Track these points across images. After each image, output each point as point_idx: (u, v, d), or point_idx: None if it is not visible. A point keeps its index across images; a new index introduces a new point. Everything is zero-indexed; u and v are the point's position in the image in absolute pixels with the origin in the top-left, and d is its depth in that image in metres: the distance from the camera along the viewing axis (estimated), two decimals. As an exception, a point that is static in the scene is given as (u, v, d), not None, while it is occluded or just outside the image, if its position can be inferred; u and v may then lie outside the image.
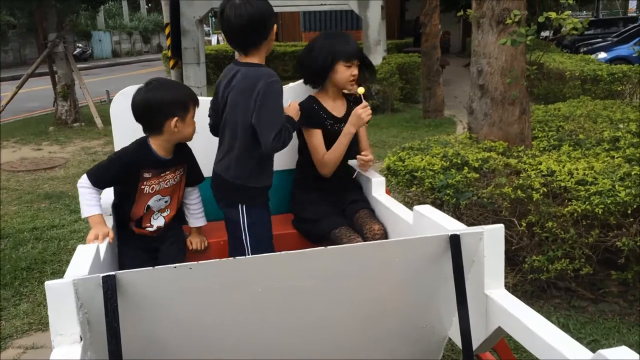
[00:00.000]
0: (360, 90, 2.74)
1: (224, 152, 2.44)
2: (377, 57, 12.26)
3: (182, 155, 2.52)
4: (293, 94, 2.88)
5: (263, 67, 2.35)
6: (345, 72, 2.71)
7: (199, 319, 1.58)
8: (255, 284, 1.55)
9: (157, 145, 2.38)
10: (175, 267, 1.45)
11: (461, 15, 4.62)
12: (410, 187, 3.81)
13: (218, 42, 33.46)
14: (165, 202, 2.52)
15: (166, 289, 1.49)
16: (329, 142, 2.74)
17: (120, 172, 2.37)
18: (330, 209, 2.74)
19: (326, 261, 1.58)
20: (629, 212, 3.15)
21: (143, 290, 1.47)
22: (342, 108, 2.85)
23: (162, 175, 2.45)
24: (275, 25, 2.38)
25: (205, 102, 2.68)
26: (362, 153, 2.85)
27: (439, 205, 3.75)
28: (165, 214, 2.53)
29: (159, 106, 2.30)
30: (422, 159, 3.85)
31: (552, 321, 3.31)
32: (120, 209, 2.49)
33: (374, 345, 1.82)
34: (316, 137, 2.73)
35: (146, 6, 40.48)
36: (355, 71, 2.73)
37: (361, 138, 2.91)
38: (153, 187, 2.44)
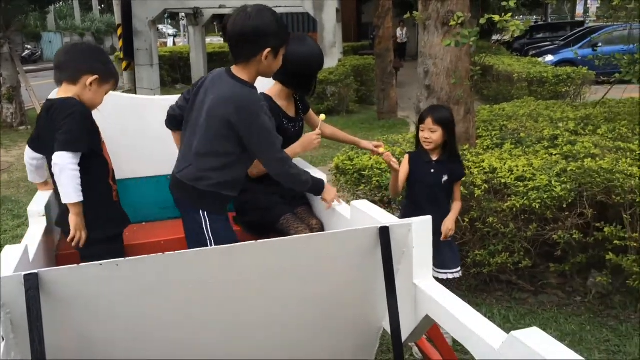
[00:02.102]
0: (322, 117, 2.84)
1: (190, 156, 2.31)
2: (332, 60, 12.36)
3: None
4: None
5: (245, 89, 2.21)
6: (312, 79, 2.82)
7: (129, 316, 1.57)
8: (187, 280, 1.55)
9: (70, 96, 2.28)
10: (101, 264, 1.43)
11: (408, 17, 4.71)
12: (358, 185, 3.86)
13: (174, 43, 33.03)
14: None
15: (93, 286, 1.47)
16: (282, 141, 2.75)
17: (91, 124, 2.27)
18: (275, 199, 2.78)
19: (259, 256, 1.59)
20: (565, 206, 3.28)
21: (69, 288, 1.45)
22: (293, 108, 2.89)
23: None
24: (272, 49, 2.18)
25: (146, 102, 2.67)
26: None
27: (387, 203, 3.82)
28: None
29: (88, 58, 2.32)
30: (370, 158, 3.91)
31: (494, 313, 3.43)
32: (91, 173, 2.26)
33: (310, 338, 1.84)
34: None
35: (99, 7, 39.57)
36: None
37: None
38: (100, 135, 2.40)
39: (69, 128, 2.15)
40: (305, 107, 2.99)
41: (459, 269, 3.06)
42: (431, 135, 2.94)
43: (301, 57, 2.67)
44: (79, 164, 2.17)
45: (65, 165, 2.11)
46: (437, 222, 2.92)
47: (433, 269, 2.98)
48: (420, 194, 3.03)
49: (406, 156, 3.13)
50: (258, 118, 2.17)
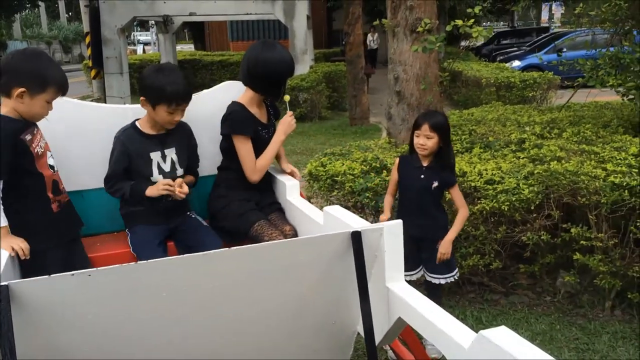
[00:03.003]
0: (287, 97, 2.86)
1: None
2: (304, 66, 12.41)
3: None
4: (222, 94, 2.90)
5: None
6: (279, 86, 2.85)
7: (103, 326, 1.56)
8: (160, 288, 1.55)
9: (7, 111, 2.22)
10: (72, 275, 1.42)
11: (377, 24, 4.78)
12: (331, 191, 3.89)
13: (144, 51, 32.70)
14: (53, 157, 2.42)
15: (65, 297, 1.45)
16: (258, 149, 2.79)
17: (11, 149, 2.18)
18: (252, 206, 2.80)
19: (233, 262, 1.60)
20: (532, 208, 3.36)
21: (40, 299, 1.43)
22: (265, 114, 2.91)
23: (36, 131, 2.33)
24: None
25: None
26: (287, 166, 2.99)
27: (360, 208, 3.85)
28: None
29: (14, 70, 2.19)
30: (343, 164, 3.94)
31: (467, 315, 3.48)
32: (23, 192, 2.28)
33: (285, 343, 1.85)
34: (246, 145, 2.75)
35: (66, 15, 38.96)
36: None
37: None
38: (40, 145, 2.33)
39: None
40: (276, 113, 3.02)
41: (455, 272, 3.06)
42: (427, 141, 2.91)
43: (271, 62, 2.70)
44: (9, 182, 2.19)
45: None
46: (428, 229, 2.98)
47: (426, 274, 3.04)
48: (410, 199, 3.02)
49: (396, 161, 3.13)
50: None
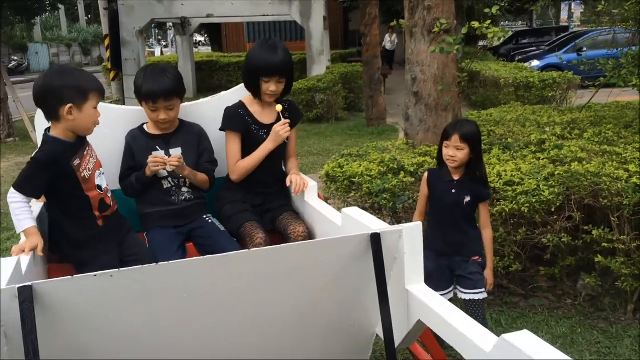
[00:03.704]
0: (278, 107, 2.74)
1: None
2: (320, 67, 12.42)
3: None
4: (236, 96, 2.90)
5: None
6: (263, 86, 2.72)
7: (125, 327, 1.57)
8: (181, 290, 1.56)
9: (58, 133, 2.29)
10: (95, 275, 1.43)
11: (394, 25, 4.76)
12: (349, 192, 3.88)
13: (162, 53, 33.00)
14: (103, 174, 2.48)
15: (88, 298, 1.47)
16: (253, 148, 2.75)
17: (52, 171, 2.26)
18: (247, 207, 2.75)
19: (251, 264, 1.60)
20: (553, 210, 3.32)
21: (63, 300, 1.45)
22: (272, 115, 2.83)
23: (85, 152, 2.39)
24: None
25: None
26: (287, 180, 2.79)
27: (378, 209, 3.84)
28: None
29: (52, 92, 2.23)
30: (360, 165, 3.93)
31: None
32: (68, 212, 2.38)
33: (304, 345, 1.85)
34: (233, 142, 2.74)
35: (85, 17, 39.46)
36: (272, 87, 2.69)
37: (290, 145, 2.93)
38: (89, 167, 2.39)
39: (23, 172, 2.27)
40: (294, 117, 2.90)
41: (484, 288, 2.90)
42: (457, 153, 2.74)
43: (250, 57, 2.73)
44: (53, 200, 2.37)
45: (10, 201, 2.23)
46: (460, 245, 2.86)
47: (461, 292, 2.87)
48: (441, 215, 2.88)
49: (425, 175, 2.97)
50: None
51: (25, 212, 2.23)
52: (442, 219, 2.88)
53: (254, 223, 2.64)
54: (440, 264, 2.88)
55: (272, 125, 2.78)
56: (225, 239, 2.64)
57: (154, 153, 2.60)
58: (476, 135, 2.79)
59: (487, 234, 2.87)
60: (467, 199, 2.81)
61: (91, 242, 2.40)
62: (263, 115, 2.81)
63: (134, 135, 2.71)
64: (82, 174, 2.35)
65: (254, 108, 2.80)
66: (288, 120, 2.74)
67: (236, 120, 2.75)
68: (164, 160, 2.53)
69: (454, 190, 2.83)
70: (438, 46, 3.98)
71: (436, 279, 2.78)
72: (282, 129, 2.69)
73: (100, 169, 2.47)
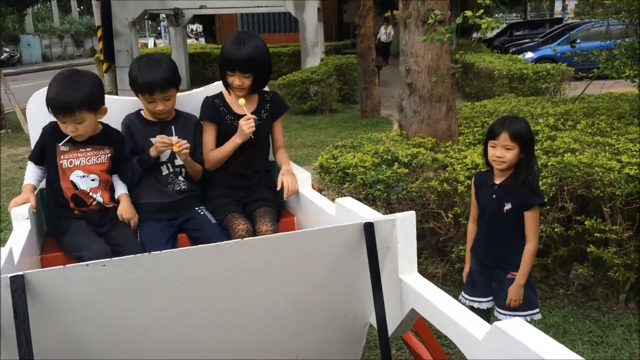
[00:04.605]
0: (241, 101, 2.70)
1: None
2: (314, 59, 12.40)
3: (110, 138, 2.56)
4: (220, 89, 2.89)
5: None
6: (229, 79, 2.69)
7: (117, 316, 1.57)
8: (173, 279, 1.55)
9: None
10: (87, 265, 1.43)
11: (389, 16, 4.75)
12: (343, 183, 3.88)
13: (155, 44, 32.80)
14: (92, 180, 2.50)
15: (80, 287, 1.47)
16: (227, 138, 2.73)
17: (42, 144, 2.48)
18: (228, 201, 2.73)
19: (244, 253, 1.60)
20: (546, 200, 3.33)
21: (55, 289, 1.45)
22: (251, 105, 2.79)
23: (81, 150, 2.47)
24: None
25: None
26: (279, 182, 2.72)
27: (372, 200, 3.85)
28: (98, 194, 2.52)
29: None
30: (354, 156, 3.93)
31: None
32: (52, 191, 2.55)
33: (297, 335, 1.85)
34: (207, 131, 2.74)
35: (78, 9, 39.14)
36: (236, 81, 2.65)
37: (276, 137, 2.91)
38: (71, 162, 2.46)
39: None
40: (275, 108, 2.86)
41: (534, 311, 2.61)
42: (505, 153, 2.45)
43: (223, 49, 2.72)
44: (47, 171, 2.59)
45: None
46: (499, 258, 2.57)
47: (496, 309, 2.59)
48: (483, 223, 2.61)
49: (473, 179, 2.77)
50: None
51: (29, 172, 2.51)
52: (484, 227, 2.62)
53: (236, 214, 2.62)
54: (483, 272, 2.67)
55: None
56: (216, 231, 2.62)
57: (159, 135, 2.58)
58: (527, 133, 2.49)
59: (527, 247, 2.50)
60: (508, 206, 2.50)
61: (68, 222, 2.50)
62: (239, 106, 2.75)
63: (132, 119, 2.70)
64: (61, 162, 2.46)
65: (231, 99, 2.77)
66: (253, 116, 2.68)
67: (210, 110, 2.74)
68: (171, 142, 2.51)
69: (494, 196, 2.54)
70: (429, 35, 3.97)
71: (477, 285, 2.65)
72: (245, 124, 2.63)
73: (90, 174, 2.48)
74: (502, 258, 2.56)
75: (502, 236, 2.55)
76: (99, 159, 2.51)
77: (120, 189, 2.61)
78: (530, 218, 2.49)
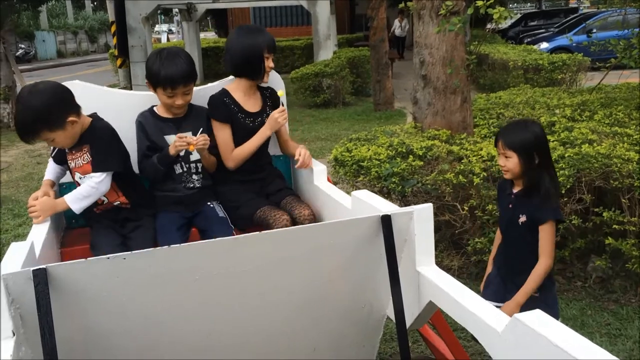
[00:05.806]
0: (280, 93, 2.77)
1: None
2: (327, 52, 12.35)
3: (88, 136, 2.47)
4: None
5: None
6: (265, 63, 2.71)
7: (137, 308, 1.59)
8: (192, 272, 1.57)
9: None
10: (108, 258, 1.45)
11: (402, 7, 4.72)
12: (357, 176, 3.88)
13: (168, 39, 32.91)
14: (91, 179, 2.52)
15: (101, 280, 1.49)
16: (241, 136, 2.74)
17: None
18: (251, 194, 2.76)
19: (261, 246, 1.61)
20: (563, 192, 3.30)
21: (77, 282, 1.47)
22: (257, 102, 2.83)
23: (73, 152, 2.48)
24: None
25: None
26: (297, 153, 2.76)
27: (387, 193, 3.84)
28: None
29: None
30: (369, 149, 3.93)
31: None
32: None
33: (314, 327, 1.86)
34: (223, 131, 2.72)
35: (91, 5, 39.39)
36: (271, 63, 2.73)
37: (282, 130, 2.92)
38: (74, 163, 2.50)
39: None
40: (275, 103, 2.88)
41: None
42: (506, 162, 2.30)
43: (229, 41, 2.74)
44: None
45: None
46: (514, 272, 2.41)
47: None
48: (502, 232, 2.47)
49: (498, 183, 2.66)
50: None
51: (49, 168, 2.60)
52: (503, 236, 2.48)
53: (268, 206, 2.64)
54: (502, 276, 2.53)
55: (257, 113, 2.79)
56: (221, 225, 2.63)
57: (178, 134, 2.58)
58: (528, 142, 2.26)
59: (541, 263, 2.28)
60: (523, 218, 2.32)
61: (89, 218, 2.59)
62: (248, 103, 2.78)
63: (146, 117, 2.70)
64: (70, 163, 2.53)
65: (238, 95, 2.77)
66: (285, 108, 2.76)
67: (222, 110, 2.73)
68: (189, 141, 2.51)
69: (510, 206, 2.39)
70: (441, 26, 3.94)
71: (494, 288, 2.53)
72: (280, 115, 2.72)
73: (85, 175, 2.47)
74: (515, 272, 2.39)
75: (517, 249, 2.39)
76: (84, 159, 2.49)
77: (74, 191, 2.44)
78: (545, 233, 2.26)
